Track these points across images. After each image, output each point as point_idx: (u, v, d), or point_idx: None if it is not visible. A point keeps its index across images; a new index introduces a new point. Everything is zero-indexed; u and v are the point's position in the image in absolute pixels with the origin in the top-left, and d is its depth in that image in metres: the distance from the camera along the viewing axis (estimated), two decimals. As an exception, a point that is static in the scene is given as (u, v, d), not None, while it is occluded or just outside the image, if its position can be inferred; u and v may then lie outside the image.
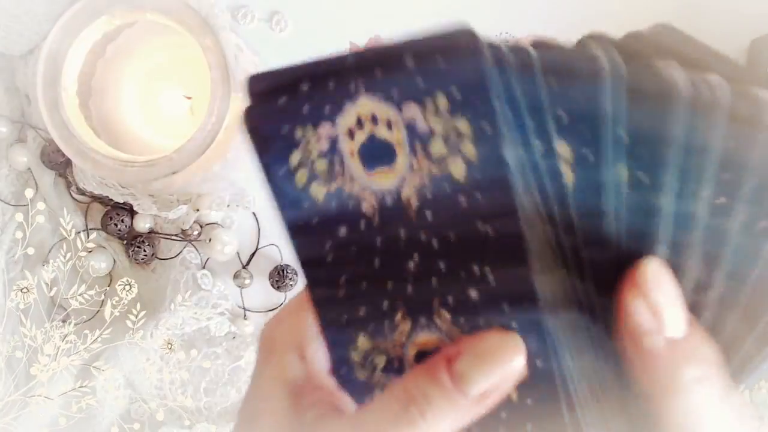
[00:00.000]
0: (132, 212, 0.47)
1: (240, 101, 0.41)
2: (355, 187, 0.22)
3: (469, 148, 0.20)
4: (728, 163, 0.21)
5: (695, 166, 0.20)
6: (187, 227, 0.47)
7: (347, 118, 0.21)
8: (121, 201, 0.45)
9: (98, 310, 0.46)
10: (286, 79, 0.22)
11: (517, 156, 0.20)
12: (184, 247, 0.47)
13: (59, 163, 0.45)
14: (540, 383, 0.21)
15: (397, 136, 0.21)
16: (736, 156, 0.21)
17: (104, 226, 0.46)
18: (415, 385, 0.21)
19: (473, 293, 0.21)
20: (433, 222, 0.21)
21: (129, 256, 0.47)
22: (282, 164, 0.22)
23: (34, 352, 0.45)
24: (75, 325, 0.46)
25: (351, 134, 0.22)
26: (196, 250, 0.47)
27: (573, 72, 0.20)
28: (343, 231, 0.23)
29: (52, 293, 0.45)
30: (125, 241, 0.48)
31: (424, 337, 0.23)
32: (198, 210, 0.45)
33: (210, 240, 0.46)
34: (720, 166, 0.21)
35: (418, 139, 0.21)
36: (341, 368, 0.24)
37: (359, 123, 0.21)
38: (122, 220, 0.46)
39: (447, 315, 0.22)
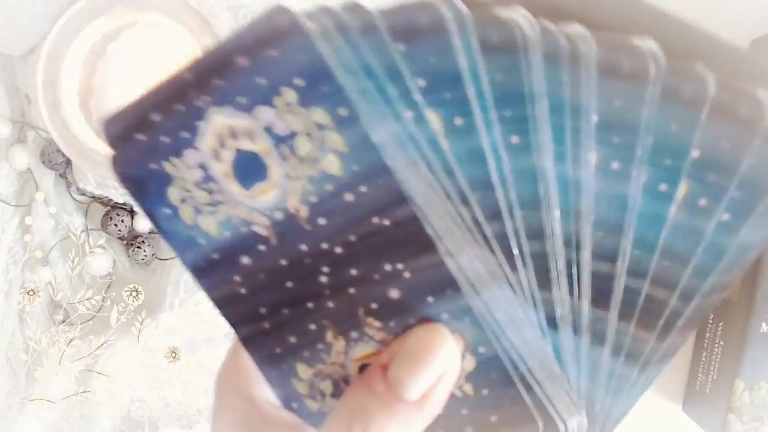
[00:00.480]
0: (132, 212, 0.47)
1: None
2: (241, 210, 0.20)
3: (335, 139, 0.19)
4: (617, 124, 0.19)
5: (570, 125, 0.19)
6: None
7: (206, 139, 0.20)
8: (121, 201, 0.45)
9: (95, 315, 0.46)
10: (137, 114, 0.20)
11: (388, 132, 0.19)
12: (184, 248, 0.47)
13: (59, 163, 0.45)
14: (490, 371, 0.20)
15: (261, 146, 0.19)
16: (624, 116, 0.19)
17: (104, 227, 0.46)
18: (354, 401, 0.20)
19: (394, 293, 0.20)
20: (329, 228, 0.20)
21: (129, 257, 0.47)
22: (163, 204, 0.21)
23: (38, 356, 0.45)
24: (81, 329, 0.45)
25: (217, 155, 0.20)
26: (196, 250, 0.47)
27: (417, 25, 0.18)
28: (245, 260, 0.21)
29: (58, 297, 0.45)
30: (125, 242, 0.48)
31: (362, 351, 0.21)
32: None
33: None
34: (606, 128, 0.19)
35: (282, 143, 0.19)
36: (292, 403, 0.23)
37: (220, 141, 0.20)
38: (122, 221, 0.46)
39: (376, 322, 0.21)
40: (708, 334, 0.45)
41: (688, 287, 0.21)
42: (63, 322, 0.46)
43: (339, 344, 0.21)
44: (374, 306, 0.20)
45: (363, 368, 0.22)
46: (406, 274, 0.20)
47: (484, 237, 0.20)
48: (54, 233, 0.47)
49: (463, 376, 0.20)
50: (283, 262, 0.21)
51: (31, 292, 0.45)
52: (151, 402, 0.47)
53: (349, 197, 0.19)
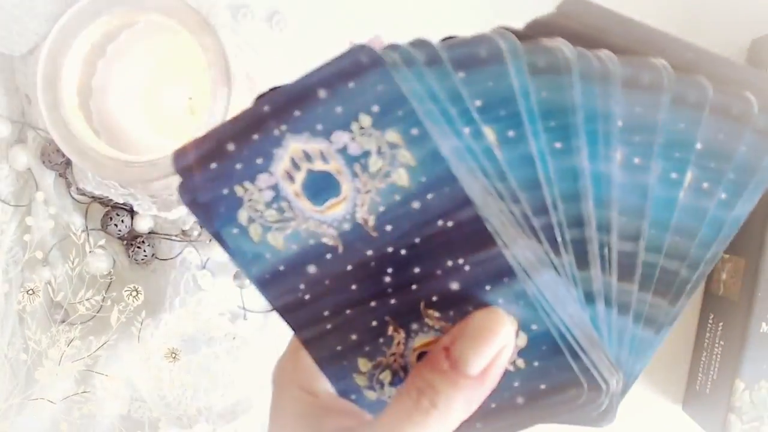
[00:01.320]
0: (132, 212, 0.47)
1: (240, 99, 0.41)
2: (310, 224, 0.23)
3: (406, 155, 0.22)
4: (637, 126, 0.23)
5: (602, 130, 0.23)
6: (187, 227, 0.46)
7: (281, 163, 0.22)
8: (121, 201, 0.45)
9: (95, 315, 0.46)
10: (210, 145, 0.22)
11: (451, 146, 0.22)
12: (185, 248, 0.47)
13: (59, 164, 0.45)
14: (541, 344, 0.23)
15: (334, 166, 0.22)
16: (643, 119, 0.23)
17: (104, 227, 0.46)
18: (421, 379, 0.22)
19: (454, 285, 0.23)
20: (395, 233, 0.22)
21: (129, 257, 0.47)
22: (232, 225, 0.23)
23: (38, 356, 0.45)
24: (81, 329, 0.45)
25: (290, 177, 0.22)
26: (196, 250, 0.47)
27: (476, 56, 0.22)
28: (312, 269, 0.23)
29: (58, 297, 0.45)
30: (125, 242, 0.47)
31: (421, 340, 0.24)
32: (198, 210, 0.45)
33: (210, 240, 0.46)
34: (629, 130, 0.23)
35: (355, 162, 0.22)
36: (350, 396, 0.25)
37: (294, 164, 0.22)
38: (122, 221, 0.46)
39: (435, 313, 0.23)
40: (708, 334, 0.45)
41: (694, 257, 0.25)
42: (63, 322, 0.46)
43: (399, 336, 0.24)
44: (435, 299, 0.23)
45: (420, 357, 0.24)
46: (467, 268, 0.22)
47: (533, 229, 0.23)
48: (54, 233, 0.47)
49: (515, 352, 0.23)
50: (349, 268, 0.23)
51: (31, 292, 0.45)
52: (151, 402, 0.47)
53: (416, 205, 0.22)
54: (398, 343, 0.24)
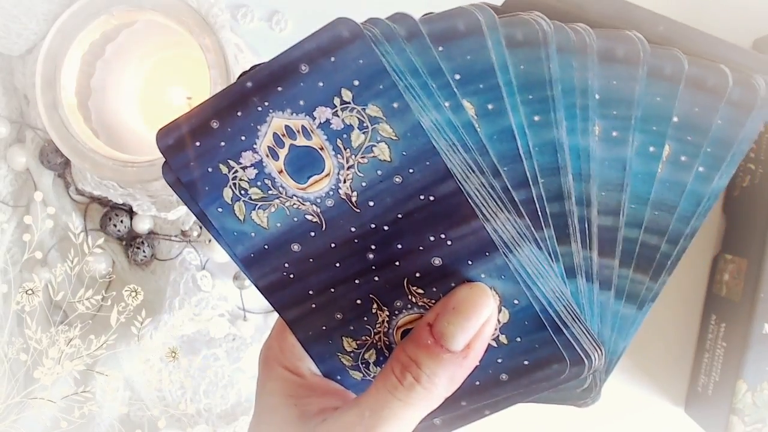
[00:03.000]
0: (131, 213, 0.46)
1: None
2: (294, 202, 0.23)
3: (387, 129, 0.22)
4: (614, 99, 0.23)
5: (579, 103, 0.23)
6: (187, 228, 0.46)
7: (264, 140, 0.22)
8: (120, 202, 0.45)
9: (94, 315, 0.46)
10: (193, 123, 0.22)
11: (431, 120, 0.22)
12: (184, 248, 0.47)
13: (58, 164, 0.45)
14: (523, 319, 0.23)
15: (317, 141, 0.22)
16: (620, 93, 0.23)
17: (103, 227, 0.46)
18: (405, 355, 0.22)
19: (436, 260, 0.23)
20: (377, 209, 0.22)
21: (128, 257, 0.47)
22: (217, 203, 0.23)
23: (39, 356, 0.45)
24: (80, 329, 0.45)
25: (274, 154, 0.22)
26: (196, 251, 0.47)
27: (455, 29, 0.22)
28: (296, 247, 0.23)
29: (57, 297, 0.45)
30: (124, 242, 0.47)
31: (405, 318, 0.24)
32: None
33: (210, 241, 0.46)
34: (607, 104, 0.23)
35: (337, 137, 0.22)
36: (335, 376, 0.25)
37: (277, 140, 0.22)
38: (121, 221, 0.46)
39: (419, 290, 0.23)
40: (710, 336, 0.45)
41: (674, 232, 0.25)
42: (62, 322, 0.46)
43: (383, 315, 0.24)
44: (418, 275, 0.23)
45: (405, 335, 0.24)
46: (449, 243, 0.22)
47: (513, 203, 0.23)
48: (53, 234, 0.46)
49: (498, 328, 0.23)
50: (333, 245, 0.23)
51: (30, 292, 0.45)
52: (150, 402, 0.47)
53: (397, 179, 0.22)
54: (383, 322, 0.24)
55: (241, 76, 0.22)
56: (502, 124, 0.23)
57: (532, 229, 0.23)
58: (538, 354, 0.23)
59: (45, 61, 0.39)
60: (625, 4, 0.25)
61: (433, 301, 0.23)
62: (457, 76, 0.22)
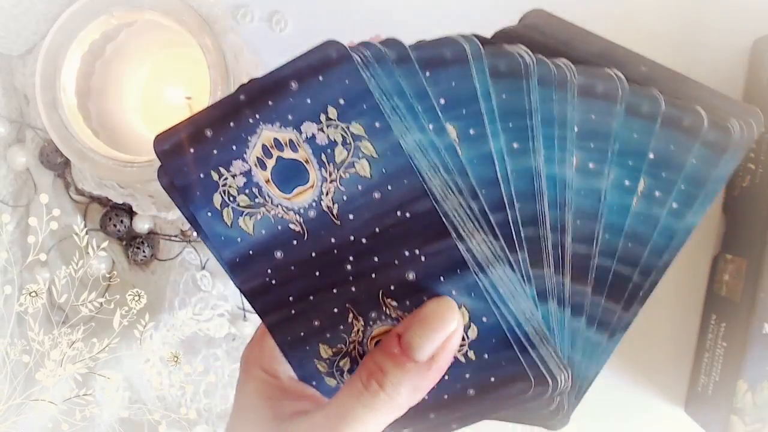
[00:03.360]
0: (131, 213, 0.46)
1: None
2: (279, 210, 0.24)
3: (368, 147, 0.23)
4: (592, 133, 0.25)
5: (558, 134, 0.24)
6: (187, 228, 0.46)
7: (254, 150, 0.24)
8: (120, 201, 0.45)
9: (94, 316, 0.46)
10: (189, 131, 0.24)
11: (413, 140, 0.23)
12: (184, 248, 0.47)
13: (58, 164, 0.45)
14: (491, 337, 0.24)
15: (303, 154, 0.23)
16: (598, 127, 0.24)
17: (103, 227, 0.46)
18: (372, 362, 0.23)
19: (410, 275, 0.24)
20: (357, 222, 0.24)
21: (128, 258, 0.47)
22: (207, 208, 0.24)
23: (40, 357, 0.45)
24: (83, 331, 0.45)
25: (262, 164, 0.24)
26: (196, 251, 0.47)
27: (442, 57, 0.23)
28: (278, 254, 0.24)
29: (59, 299, 0.45)
30: (124, 242, 0.47)
31: (379, 329, 0.25)
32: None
33: (210, 241, 0.46)
34: (585, 136, 0.25)
35: (322, 151, 0.23)
36: (311, 382, 0.26)
37: (266, 151, 0.23)
38: (121, 221, 0.46)
39: (393, 303, 0.24)
40: (710, 335, 0.45)
41: (646, 264, 0.26)
42: (63, 323, 0.46)
43: (358, 324, 0.25)
44: (392, 288, 0.24)
45: (378, 345, 0.25)
46: (422, 258, 0.23)
47: (490, 224, 0.24)
48: (53, 234, 0.46)
49: (466, 343, 0.24)
50: (313, 254, 0.24)
51: (33, 294, 0.44)
52: (151, 404, 0.47)
53: (377, 195, 0.23)
54: (357, 331, 0.25)
55: (239, 88, 0.23)
56: (482, 149, 0.24)
57: (507, 251, 0.24)
58: (504, 371, 0.24)
59: (45, 61, 0.39)
60: (609, 44, 0.26)
61: (407, 314, 0.24)
62: (442, 101, 0.23)
